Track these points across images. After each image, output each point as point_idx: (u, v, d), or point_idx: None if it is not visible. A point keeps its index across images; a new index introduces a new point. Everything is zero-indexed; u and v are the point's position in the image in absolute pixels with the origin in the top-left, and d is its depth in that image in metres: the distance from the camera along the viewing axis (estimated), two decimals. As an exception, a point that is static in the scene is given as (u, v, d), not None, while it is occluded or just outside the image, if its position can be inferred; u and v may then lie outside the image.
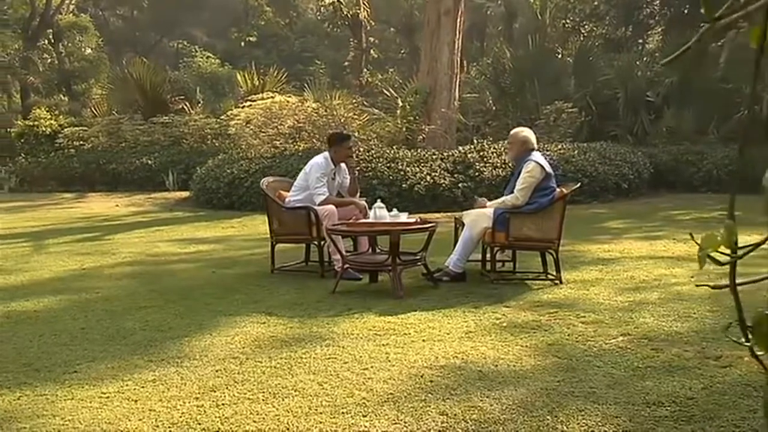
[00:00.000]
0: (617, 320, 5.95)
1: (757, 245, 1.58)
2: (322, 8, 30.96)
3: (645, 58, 23.06)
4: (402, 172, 14.19)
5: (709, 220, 11.65)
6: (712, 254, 1.45)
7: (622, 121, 19.64)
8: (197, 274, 8.37)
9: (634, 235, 10.69)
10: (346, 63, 30.15)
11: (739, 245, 1.30)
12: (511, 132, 7.98)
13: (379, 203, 7.56)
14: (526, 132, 7.75)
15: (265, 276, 8.11)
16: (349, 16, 25.54)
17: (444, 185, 14.01)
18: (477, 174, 14.26)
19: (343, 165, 8.32)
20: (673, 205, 14.37)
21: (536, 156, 7.53)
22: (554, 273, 7.45)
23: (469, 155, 14.86)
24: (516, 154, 7.68)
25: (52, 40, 34.25)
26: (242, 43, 35.44)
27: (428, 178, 14.08)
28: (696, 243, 1.38)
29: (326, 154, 8.23)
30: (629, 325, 5.77)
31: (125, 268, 8.80)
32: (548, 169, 7.46)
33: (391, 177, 14.11)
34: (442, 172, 14.24)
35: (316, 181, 7.99)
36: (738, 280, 1.34)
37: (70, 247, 10.52)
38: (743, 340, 1.43)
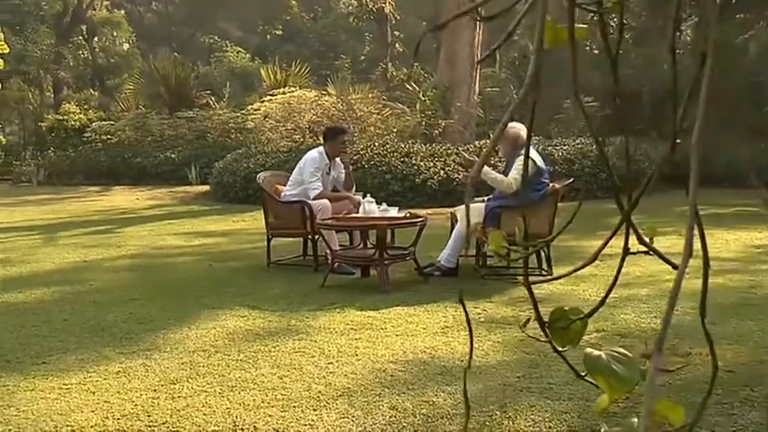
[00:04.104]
0: (597, 316, 5.78)
1: (547, 242, 1.58)
2: (353, 1, 30.94)
3: (677, 52, 22.75)
4: (416, 167, 14.18)
5: (723, 216, 11.49)
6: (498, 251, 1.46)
7: (646, 116, 19.40)
8: (195, 268, 8.46)
9: (641, 230, 10.55)
10: (362, 57, 30.18)
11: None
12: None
13: (368, 198, 7.58)
14: (518, 127, 7.67)
15: (260, 270, 8.15)
16: (374, 10, 25.57)
17: (457, 180, 13.96)
18: (491, 168, 14.18)
19: (338, 159, 8.33)
20: (691, 200, 14.13)
21: (529, 151, 7.46)
22: (547, 268, 7.40)
23: (484, 150, 14.78)
24: (508, 150, 7.63)
25: (86, 36, 34.68)
26: (268, 36, 35.63)
27: (442, 172, 14.06)
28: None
29: (321, 148, 8.25)
30: (607, 321, 5.72)
31: (126, 261, 8.91)
32: (540, 164, 7.40)
33: (404, 171, 14.11)
34: (456, 166, 14.18)
35: (311, 175, 8.02)
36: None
37: (79, 240, 10.67)
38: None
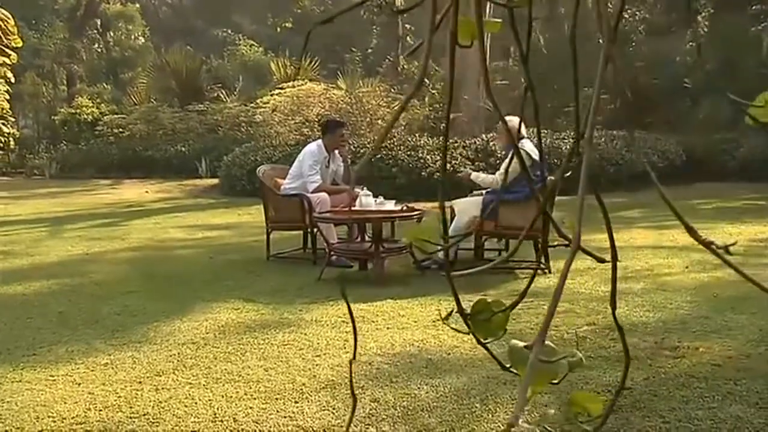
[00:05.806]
0: (589, 310, 5.87)
1: (465, 235, 1.58)
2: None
3: (690, 44, 22.59)
4: (422, 160, 14.19)
5: (727, 210, 11.42)
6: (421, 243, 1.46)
7: (658, 109, 19.29)
8: (195, 260, 8.50)
9: (645, 224, 10.51)
10: (369, 50, 30.12)
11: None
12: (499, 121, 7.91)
13: (365, 191, 7.57)
14: (514, 121, 7.63)
15: (259, 263, 8.17)
16: (385, 2, 25.48)
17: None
18: (498, 162, 14.15)
19: (337, 153, 8.33)
20: (700, 193, 14.05)
21: (525, 143, 7.45)
22: (544, 262, 7.37)
23: (491, 143, 14.76)
24: (505, 143, 7.63)
25: (100, 30, 34.82)
26: (278, 29, 35.67)
27: (448, 165, 14.03)
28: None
29: (320, 141, 8.27)
30: (599, 315, 5.69)
31: (128, 254, 8.97)
32: (535, 157, 7.37)
33: (410, 165, 14.12)
34: (463, 160, 14.17)
35: (309, 168, 8.03)
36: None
37: (84, 233, 10.75)
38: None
